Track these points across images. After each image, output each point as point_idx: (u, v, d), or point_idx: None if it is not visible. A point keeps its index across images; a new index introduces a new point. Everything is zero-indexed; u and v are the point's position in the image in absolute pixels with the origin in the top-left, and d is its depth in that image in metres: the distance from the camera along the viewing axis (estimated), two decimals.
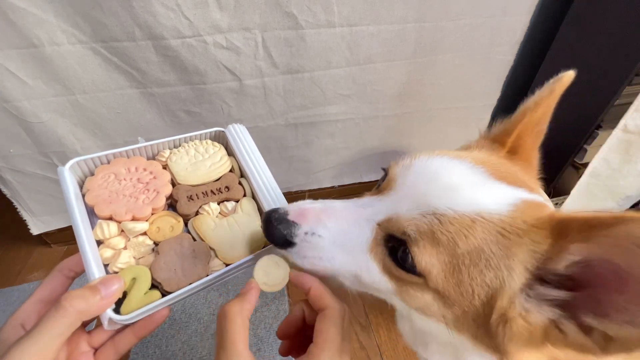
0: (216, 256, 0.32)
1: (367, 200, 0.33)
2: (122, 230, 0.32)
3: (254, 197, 0.38)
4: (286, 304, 0.97)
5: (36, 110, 0.79)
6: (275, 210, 0.31)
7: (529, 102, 0.35)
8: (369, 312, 0.96)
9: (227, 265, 0.32)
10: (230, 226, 0.34)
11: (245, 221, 0.35)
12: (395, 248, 0.29)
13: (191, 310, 0.93)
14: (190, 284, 0.30)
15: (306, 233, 0.30)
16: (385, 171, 0.36)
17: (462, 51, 0.98)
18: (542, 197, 0.31)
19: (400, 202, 0.30)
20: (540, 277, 0.25)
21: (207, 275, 0.31)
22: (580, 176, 0.99)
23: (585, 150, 1.03)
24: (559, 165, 1.10)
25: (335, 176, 1.25)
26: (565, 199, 1.04)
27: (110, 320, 0.27)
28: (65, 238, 1.12)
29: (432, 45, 0.94)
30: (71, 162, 0.32)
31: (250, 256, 0.33)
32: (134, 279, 0.29)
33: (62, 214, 1.04)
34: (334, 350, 0.28)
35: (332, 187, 1.29)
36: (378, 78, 0.98)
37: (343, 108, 1.03)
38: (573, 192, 1.02)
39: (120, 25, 0.71)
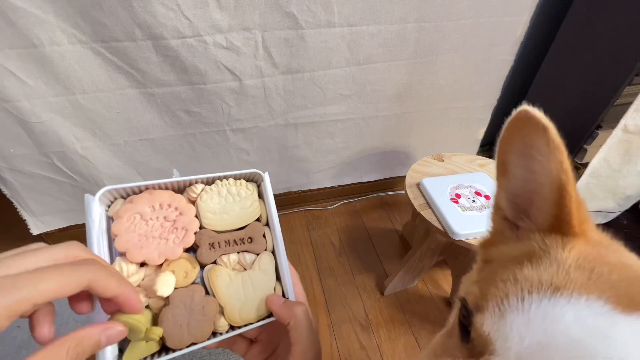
0: (223, 315, 0.31)
1: None
2: (141, 265, 0.30)
3: (273, 253, 0.36)
4: None
5: (36, 110, 0.79)
6: None
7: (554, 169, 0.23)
8: (368, 312, 0.96)
9: (231, 326, 0.32)
10: (244, 284, 0.33)
11: (260, 281, 0.33)
12: None
13: None
14: (193, 343, 0.29)
15: None
16: (464, 308, 0.24)
17: (462, 51, 0.99)
18: None
19: None
20: None
21: (211, 336, 0.30)
22: (580, 176, 0.99)
23: (585, 150, 1.04)
24: None
25: (335, 176, 1.25)
26: None
27: None
28: (65, 238, 1.11)
29: (432, 45, 0.94)
30: (101, 192, 0.30)
31: (257, 324, 0.32)
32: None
33: (62, 214, 1.04)
34: (313, 351, 0.31)
35: (332, 187, 1.29)
36: (378, 78, 0.98)
37: (343, 108, 1.03)
38: None
39: (120, 25, 0.71)
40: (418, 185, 0.84)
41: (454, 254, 0.92)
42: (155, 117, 0.89)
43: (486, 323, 0.21)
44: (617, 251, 0.24)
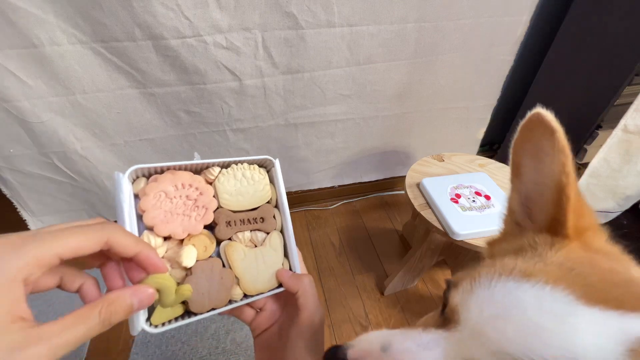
0: (238, 285, 0.35)
1: (432, 338, 0.25)
2: (165, 239, 0.33)
3: (282, 232, 0.40)
4: None
5: (36, 110, 0.79)
6: (334, 353, 0.29)
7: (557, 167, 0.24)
8: (368, 312, 0.96)
9: (245, 295, 0.35)
10: (256, 258, 0.36)
11: (270, 256, 0.37)
12: None
13: None
14: (213, 308, 0.33)
15: None
16: (447, 285, 0.27)
17: (462, 51, 0.99)
18: None
19: (468, 346, 0.22)
20: None
21: (229, 302, 0.34)
22: (580, 176, 0.99)
23: (585, 150, 1.04)
24: None
25: (335, 176, 1.25)
26: None
27: (143, 329, 0.29)
28: None
29: (432, 45, 0.94)
30: (129, 170, 0.33)
31: (268, 293, 0.36)
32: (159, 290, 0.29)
33: (62, 214, 1.04)
34: (319, 315, 0.35)
35: (332, 187, 1.29)
36: (378, 78, 0.98)
37: (343, 108, 1.03)
38: None
39: (120, 25, 0.71)
40: (418, 185, 0.84)
41: (454, 254, 0.92)
42: (155, 117, 0.89)
43: (457, 297, 0.23)
44: (616, 260, 0.24)
